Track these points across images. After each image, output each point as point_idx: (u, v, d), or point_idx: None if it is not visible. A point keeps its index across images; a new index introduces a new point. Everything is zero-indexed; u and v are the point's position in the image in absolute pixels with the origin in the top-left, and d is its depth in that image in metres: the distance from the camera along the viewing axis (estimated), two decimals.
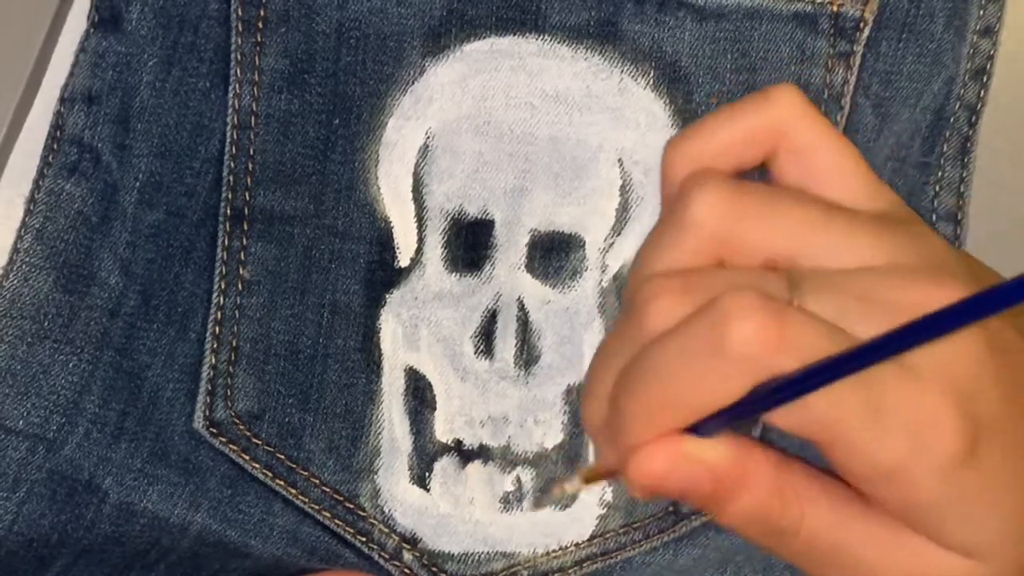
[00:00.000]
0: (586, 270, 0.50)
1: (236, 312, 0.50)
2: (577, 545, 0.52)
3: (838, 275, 0.34)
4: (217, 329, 0.50)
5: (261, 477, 0.50)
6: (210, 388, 0.50)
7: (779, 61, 0.50)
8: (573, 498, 0.51)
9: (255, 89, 0.50)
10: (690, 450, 0.33)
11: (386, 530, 0.51)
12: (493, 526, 0.51)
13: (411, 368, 0.51)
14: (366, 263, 0.50)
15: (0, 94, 0.51)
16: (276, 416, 0.51)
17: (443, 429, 0.51)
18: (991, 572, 0.35)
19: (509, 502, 0.51)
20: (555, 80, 0.50)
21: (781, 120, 0.36)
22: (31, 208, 0.50)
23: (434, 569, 0.51)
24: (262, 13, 0.50)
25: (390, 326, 0.51)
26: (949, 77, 0.51)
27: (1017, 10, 0.51)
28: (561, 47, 0.50)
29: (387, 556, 0.51)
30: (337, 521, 0.51)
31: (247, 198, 0.50)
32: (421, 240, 0.50)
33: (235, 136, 0.50)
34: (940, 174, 0.52)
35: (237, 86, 0.50)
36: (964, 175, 0.52)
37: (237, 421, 0.50)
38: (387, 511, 0.51)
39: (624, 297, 0.37)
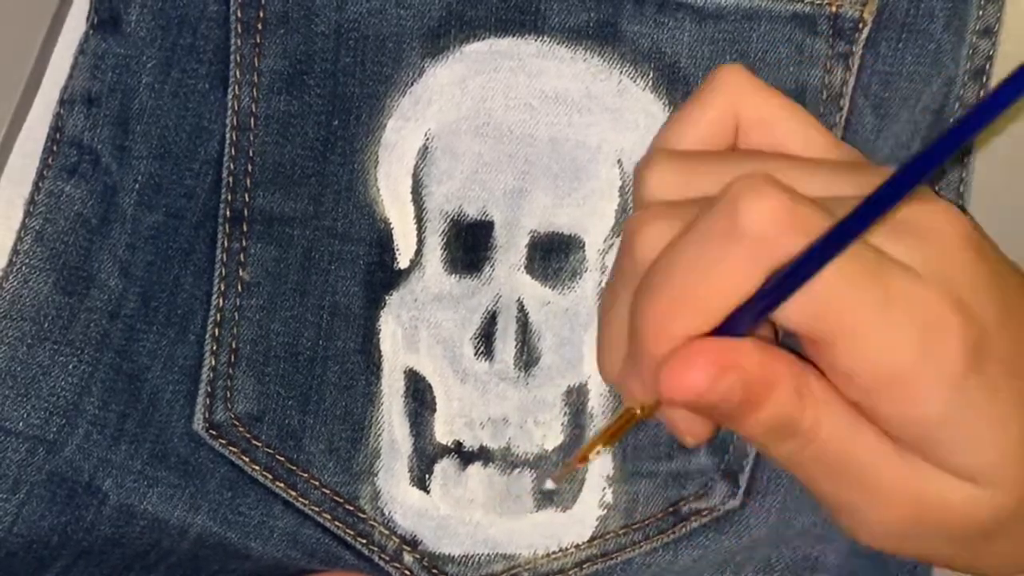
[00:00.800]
0: (586, 271, 0.50)
1: (236, 314, 0.50)
2: (577, 546, 0.52)
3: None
4: (217, 331, 0.50)
5: (261, 479, 0.50)
6: (210, 390, 0.50)
7: (778, 62, 0.50)
8: (581, 482, 0.51)
9: (254, 90, 0.50)
10: (729, 355, 0.33)
11: (386, 532, 0.51)
12: (493, 528, 0.51)
13: (411, 370, 0.51)
14: (365, 264, 0.50)
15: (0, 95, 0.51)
16: (276, 418, 0.50)
17: (443, 431, 0.51)
18: (993, 498, 0.34)
19: (514, 503, 0.51)
20: (554, 81, 0.50)
21: (732, 100, 0.38)
22: (31, 210, 0.50)
23: (435, 571, 0.51)
24: (261, 15, 0.50)
25: (390, 328, 0.51)
26: (948, 78, 0.51)
27: (1016, 10, 0.51)
28: (560, 48, 0.50)
29: (387, 558, 0.51)
30: (337, 523, 0.51)
31: (246, 199, 0.50)
32: (420, 241, 0.50)
33: (234, 137, 0.50)
34: (940, 175, 0.52)
35: (236, 87, 0.50)
36: (964, 175, 0.52)
37: (237, 423, 0.50)
38: (387, 513, 0.51)
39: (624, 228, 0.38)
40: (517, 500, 0.51)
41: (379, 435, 0.51)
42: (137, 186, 0.50)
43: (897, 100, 0.51)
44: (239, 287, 0.50)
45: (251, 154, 0.50)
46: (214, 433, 0.50)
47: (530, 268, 0.50)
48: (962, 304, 0.33)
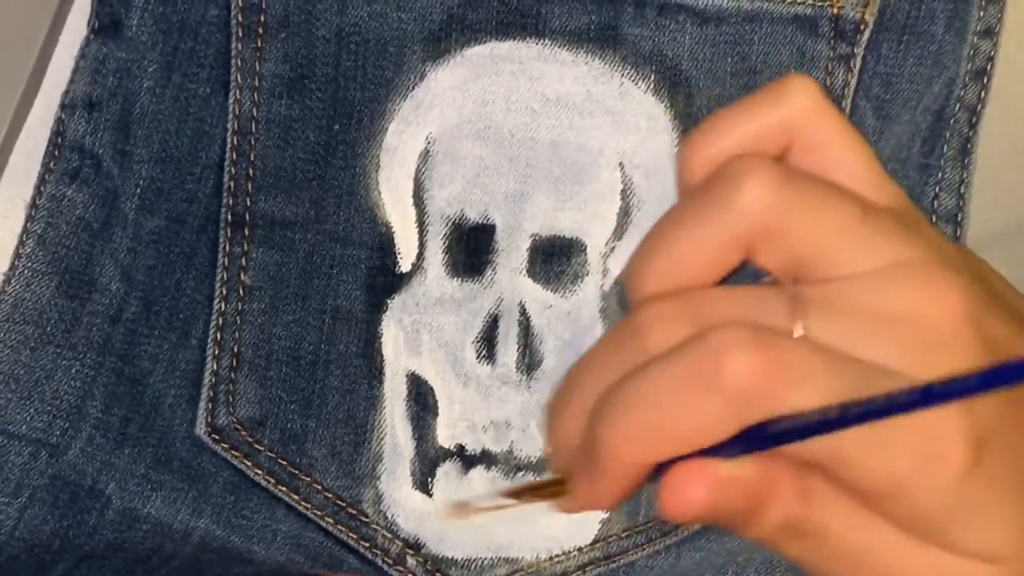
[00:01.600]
0: (587, 274, 0.50)
1: (237, 318, 0.50)
2: (580, 550, 0.52)
3: (845, 291, 0.33)
4: (219, 335, 0.50)
5: (263, 483, 0.50)
6: (212, 394, 0.50)
7: (779, 64, 0.50)
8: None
9: (255, 95, 0.50)
10: (725, 471, 0.32)
11: (389, 535, 0.51)
12: (496, 531, 0.51)
13: (413, 373, 0.51)
14: (367, 268, 0.50)
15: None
16: (278, 422, 0.50)
17: (445, 434, 0.51)
18: (1012, 571, 0.34)
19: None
20: (556, 84, 0.50)
21: (796, 115, 0.35)
22: (32, 214, 0.50)
23: (438, 574, 0.51)
24: (262, 19, 0.50)
25: (392, 331, 0.51)
26: (949, 79, 0.51)
27: (1017, 11, 0.51)
28: (561, 51, 0.50)
29: (391, 561, 0.51)
30: (340, 527, 0.51)
31: (248, 204, 0.50)
32: (422, 245, 0.50)
33: (236, 142, 0.50)
34: (940, 175, 0.52)
35: (237, 92, 0.50)
36: (964, 176, 0.52)
37: (239, 427, 0.50)
38: (390, 516, 0.51)
39: (628, 300, 0.36)
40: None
41: (381, 439, 0.51)
42: (138, 190, 0.50)
43: (898, 101, 0.51)
44: (241, 291, 0.50)
45: (252, 158, 0.50)
46: (216, 437, 0.50)
47: (532, 271, 0.50)
48: (966, 410, 0.32)
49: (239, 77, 0.50)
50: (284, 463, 0.50)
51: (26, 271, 0.50)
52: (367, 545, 0.51)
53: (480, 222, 0.50)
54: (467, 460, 0.51)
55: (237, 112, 0.50)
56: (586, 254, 0.50)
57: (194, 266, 0.51)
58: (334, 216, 0.50)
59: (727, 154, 0.35)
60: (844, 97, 0.50)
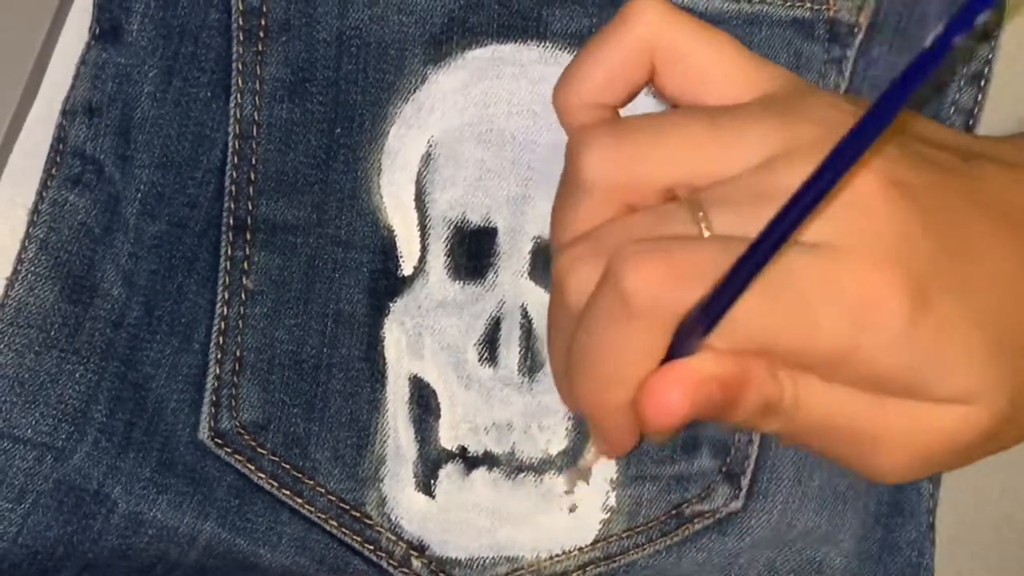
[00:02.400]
0: None
1: (240, 322, 0.50)
2: (581, 549, 0.52)
3: (734, 182, 0.35)
4: (221, 339, 0.50)
5: (267, 487, 0.50)
6: (215, 399, 0.50)
7: None
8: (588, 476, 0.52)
9: (256, 98, 0.50)
10: (698, 371, 0.34)
11: (393, 537, 0.51)
12: (498, 532, 0.51)
13: (415, 376, 0.51)
14: (369, 272, 0.51)
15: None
16: (281, 426, 0.51)
17: (447, 436, 0.51)
18: (986, 407, 0.35)
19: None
20: None
21: (647, 34, 0.37)
22: (35, 219, 0.50)
23: (442, 575, 0.51)
24: (263, 22, 0.50)
25: (394, 335, 0.51)
26: (943, 83, 0.51)
27: (1018, 12, 0.52)
28: (563, 54, 0.50)
29: (395, 563, 0.51)
30: (344, 529, 0.51)
31: (249, 208, 0.50)
32: (424, 248, 0.50)
33: (237, 146, 0.50)
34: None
35: (238, 95, 0.50)
36: None
37: (242, 431, 0.50)
38: (394, 519, 0.51)
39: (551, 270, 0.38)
40: (522, 504, 0.51)
41: (384, 441, 0.51)
42: (140, 195, 0.50)
43: None
44: (243, 295, 0.50)
45: (254, 162, 0.50)
46: (219, 442, 0.50)
47: (534, 274, 0.50)
48: (892, 259, 0.33)
49: (240, 81, 0.50)
50: (287, 467, 0.51)
51: (29, 276, 0.50)
52: (371, 547, 0.51)
53: (482, 225, 0.50)
54: (469, 462, 0.51)
55: (238, 116, 0.50)
56: None
57: (196, 270, 0.51)
58: (336, 220, 0.50)
59: (596, 92, 0.38)
60: None
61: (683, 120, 0.36)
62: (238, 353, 0.50)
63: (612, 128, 0.36)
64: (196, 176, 0.50)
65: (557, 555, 0.52)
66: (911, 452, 0.36)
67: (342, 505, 0.51)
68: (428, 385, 0.51)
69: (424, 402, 0.51)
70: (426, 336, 0.51)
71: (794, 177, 0.32)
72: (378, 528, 0.51)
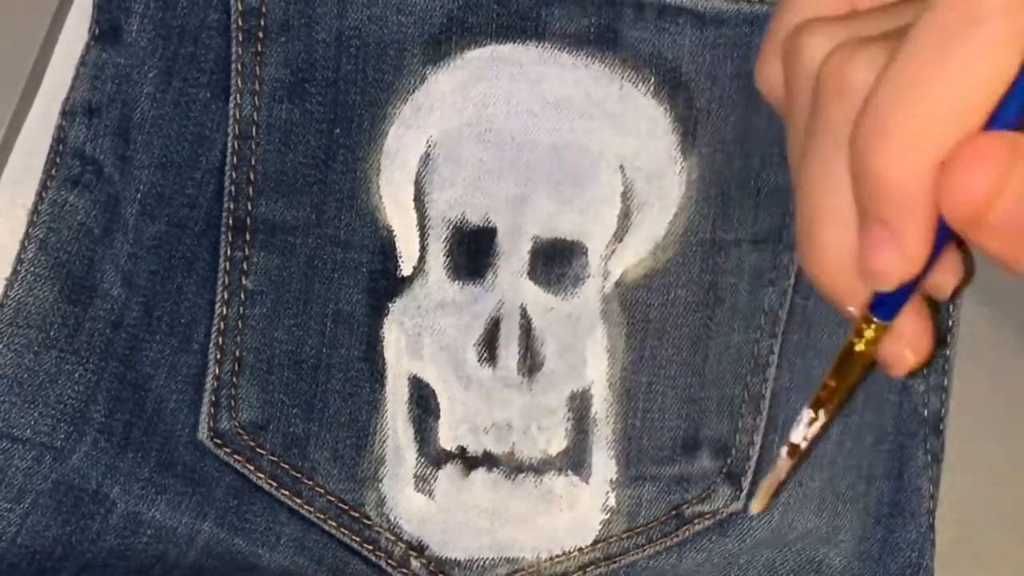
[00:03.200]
0: (588, 277, 0.51)
1: (239, 323, 0.50)
2: (581, 550, 0.52)
3: None
4: (220, 340, 0.50)
5: (266, 487, 0.50)
6: (214, 399, 0.50)
7: None
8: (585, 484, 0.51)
9: (256, 99, 0.50)
10: (1020, 141, 0.28)
11: (392, 538, 0.51)
12: (498, 532, 0.51)
13: (414, 376, 0.51)
14: (368, 272, 0.51)
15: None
16: (280, 426, 0.51)
17: (447, 436, 0.51)
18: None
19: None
20: (556, 87, 0.50)
21: None
22: (34, 219, 0.50)
23: (441, 575, 0.51)
24: (262, 23, 0.50)
25: (393, 335, 0.51)
26: None
27: None
28: (562, 54, 0.50)
29: (395, 564, 0.51)
30: (343, 530, 0.51)
31: (249, 208, 0.50)
32: (423, 249, 0.50)
33: (236, 146, 0.50)
34: None
35: (238, 96, 0.50)
36: None
37: (241, 432, 0.50)
38: (393, 519, 0.51)
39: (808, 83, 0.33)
40: (521, 504, 0.51)
41: (383, 442, 0.51)
42: (139, 196, 0.50)
43: None
44: (242, 296, 0.50)
45: (253, 162, 0.50)
46: (219, 442, 0.50)
47: (533, 274, 0.50)
48: None
49: (239, 81, 0.50)
50: (286, 467, 0.51)
51: (28, 276, 0.50)
52: (370, 548, 0.51)
53: (481, 225, 0.50)
54: (469, 462, 0.51)
55: (237, 116, 0.50)
56: (587, 257, 0.50)
57: (195, 271, 0.51)
58: (335, 220, 0.50)
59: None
60: None
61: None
62: (237, 353, 0.50)
63: None
64: (195, 176, 0.50)
65: (557, 556, 0.52)
66: None
67: (341, 505, 0.51)
68: (427, 385, 0.51)
69: (423, 402, 0.51)
70: (425, 336, 0.51)
71: None
72: (377, 528, 0.51)
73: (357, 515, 0.51)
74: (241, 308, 0.50)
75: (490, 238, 0.50)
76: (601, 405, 0.51)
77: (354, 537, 0.51)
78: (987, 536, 0.53)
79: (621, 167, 0.50)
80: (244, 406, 0.50)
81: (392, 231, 0.50)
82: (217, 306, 0.50)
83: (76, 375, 0.50)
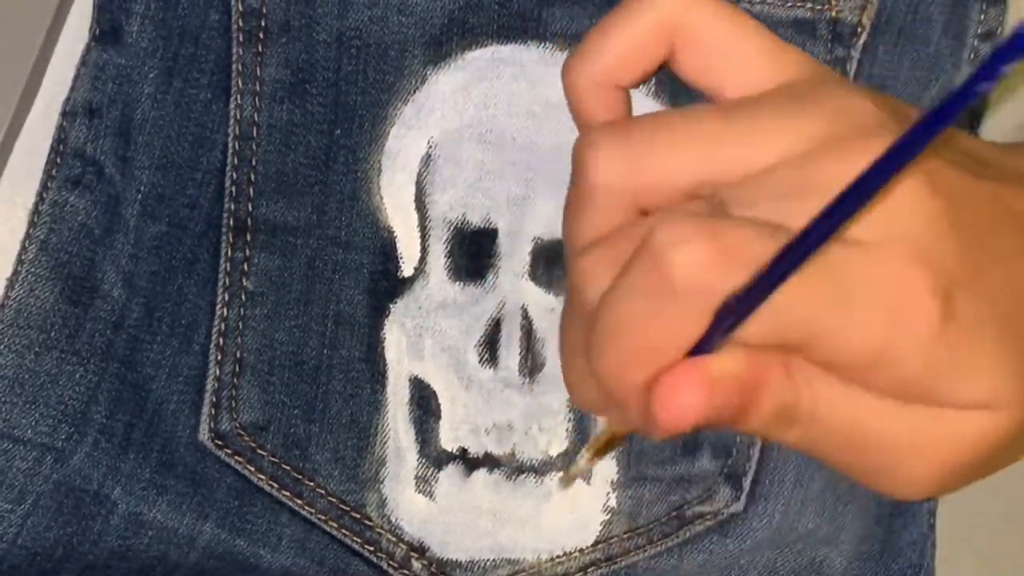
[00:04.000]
0: None
1: (240, 323, 0.50)
2: (581, 551, 0.52)
3: (761, 178, 0.33)
4: (221, 341, 0.50)
5: (267, 488, 0.50)
6: (215, 400, 0.50)
7: None
8: (590, 474, 0.51)
9: (256, 99, 0.50)
10: (716, 369, 0.32)
11: (394, 539, 0.51)
12: (499, 533, 0.51)
13: (415, 377, 0.51)
14: (369, 273, 0.50)
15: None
16: (281, 427, 0.51)
17: (448, 437, 0.51)
18: (1009, 413, 0.34)
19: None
20: (557, 88, 0.50)
21: (668, 14, 0.35)
22: (35, 220, 0.50)
23: None
24: (263, 24, 0.50)
25: (394, 336, 0.51)
26: (948, 82, 0.51)
27: (1020, 13, 0.52)
28: (562, 55, 0.50)
29: (396, 565, 0.51)
30: (344, 531, 0.51)
31: (249, 209, 0.50)
32: (424, 249, 0.50)
33: (237, 147, 0.50)
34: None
35: (238, 97, 0.50)
36: None
37: (242, 433, 0.50)
38: (394, 520, 0.51)
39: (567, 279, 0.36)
40: (522, 505, 0.51)
41: (384, 443, 0.51)
42: (140, 196, 0.50)
43: None
44: (243, 297, 0.50)
45: (254, 163, 0.50)
46: (220, 443, 0.50)
47: (534, 275, 0.50)
48: (925, 260, 0.32)
49: (240, 82, 0.50)
50: (287, 468, 0.51)
51: (29, 276, 0.50)
52: (372, 549, 0.51)
53: (482, 226, 0.50)
54: (470, 463, 0.51)
55: (238, 117, 0.50)
56: None
57: (196, 272, 0.51)
58: (336, 221, 0.50)
59: (609, 71, 0.35)
60: None
61: (695, 115, 0.34)
62: (238, 354, 0.50)
63: (620, 127, 0.35)
64: (196, 177, 0.50)
65: (558, 557, 0.52)
66: (935, 462, 0.35)
67: (342, 506, 0.51)
68: (428, 386, 0.51)
69: (424, 403, 0.51)
70: (426, 337, 0.51)
71: (841, 169, 0.30)
72: (378, 529, 0.51)
73: (358, 516, 0.51)
74: (242, 309, 0.50)
75: (491, 239, 0.50)
76: None
77: (355, 538, 0.51)
78: (987, 536, 0.53)
79: None
80: (245, 407, 0.50)
81: (393, 232, 0.50)
82: (218, 307, 0.50)
83: (77, 376, 0.50)
